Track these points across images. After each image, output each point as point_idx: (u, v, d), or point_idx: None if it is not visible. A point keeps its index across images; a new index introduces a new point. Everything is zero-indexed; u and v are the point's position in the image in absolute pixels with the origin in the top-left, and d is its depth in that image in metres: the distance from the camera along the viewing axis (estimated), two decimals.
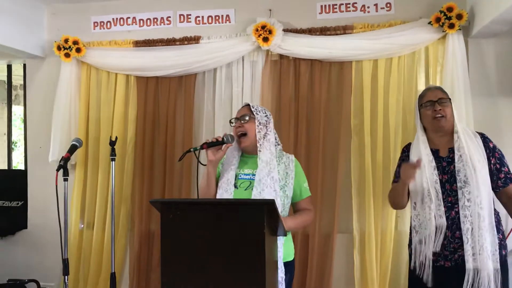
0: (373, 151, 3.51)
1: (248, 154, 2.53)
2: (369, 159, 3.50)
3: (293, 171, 2.48)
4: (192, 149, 2.46)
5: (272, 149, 2.45)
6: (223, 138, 2.44)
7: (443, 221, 2.45)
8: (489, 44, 3.41)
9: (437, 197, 2.48)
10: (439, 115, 2.55)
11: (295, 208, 2.56)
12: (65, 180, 2.83)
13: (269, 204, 2.00)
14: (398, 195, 2.67)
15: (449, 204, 2.49)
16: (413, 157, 2.62)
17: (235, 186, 2.44)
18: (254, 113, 2.49)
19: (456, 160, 2.51)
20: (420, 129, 2.67)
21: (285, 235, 2.24)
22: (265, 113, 2.54)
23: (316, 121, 3.61)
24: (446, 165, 2.55)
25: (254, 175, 2.42)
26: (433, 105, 2.57)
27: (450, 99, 2.62)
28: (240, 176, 2.47)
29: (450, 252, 2.47)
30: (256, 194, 2.35)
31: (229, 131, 2.66)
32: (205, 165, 2.47)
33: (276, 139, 2.56)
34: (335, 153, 3.59)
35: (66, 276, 2.92)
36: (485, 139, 2.60)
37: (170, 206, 2.10)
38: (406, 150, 2.78)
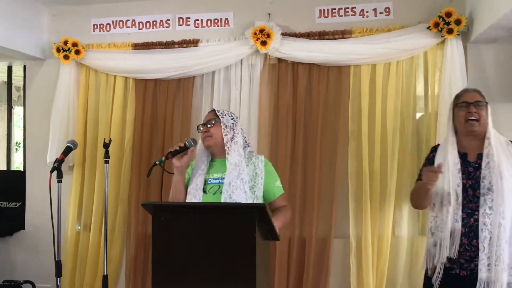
0: (370, 156, 3.50)
1: (217, 158, 2.55)
2: (366, 164, 3.49)
3: (262, 171, 2.48)
4: (157, 162, 2.51)
5: (240, 151, 2.47)
6: (185, 144, 2.49)
7: (458, 226, 2.39)
8: (488, 50, 3.40)
9: (457, 201, 2.42)
10: (473, 118, 2.47)
11: (271, 207, 2.54)
12: (59, 181, 2.83)
13: (260, 208, 2.00)
14: (420, 197, 2.62)
15: (469, 211, 2.41)
16: (439, 158, 2.56)
17: (204, 191, 2.45)
18: (220, 117, 2.53)
19: (483, 166, 2.43)
20: (451, 130, 2.59)
21: (277, 239, 2.23)
22: (231, 116, 2.58)
23: (313, 125, 3.60)
24: (472, 171, 2.47)
25: (223, 178, 2.43)
26: (468, 107, 2.49)
27: (487, 103, 2.53)
28: (210, 181, 2.49)
29: (466, 260, 2.40)
30: (226, 198, 2.36)
31: None
32: (173, 173, 2.50)
33: (246, 141, 2.60)
34: (333, 157, 3.58)
35: (58, 278, 2.91)
36: None
37: (161, 209, 2.10)
38: (434, 150, 2.70)
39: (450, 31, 3.28)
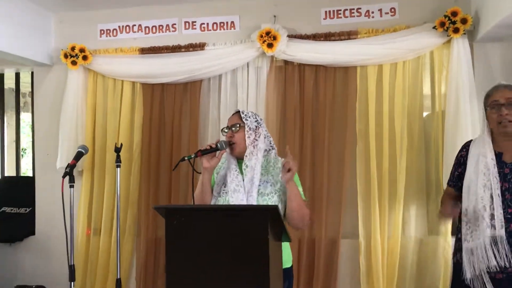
0: (378, 156, 3.50)
1: (243, 160, 2.48)
2: (374, 164, 3.49)
3: None
4: (186, 158, 2.43)
5: (259, 154, 2.42)
6: (216, 145, 2.42)
7: (502, 232, 2.25)
8: (495, 48, 3.41)
9: (500, 207, 2.27)
10: (506, 120, 2.31)
11: None
12: (71, 187, 2.84)
13: (273, 210, 2.00)
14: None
15: (509, 216, 2.28)
16: (472, 159, 2.42)
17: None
18: (244, 119, 2.48)
19: None
20: (486, 129, 2.43)
21: (289, 240, 2.23)
22: (256, 118, 2.52)
23: (321, 126, 3.62)
24: (508, 172, 2.32)
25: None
26: (499, 109, 2.34)
27: None
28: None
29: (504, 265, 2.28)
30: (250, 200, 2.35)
31: None
32: (200, 173, 2.46)
33: (270, 143, 2.55)
34: (341, 158, 3.59)
35: (72, 282, 2.93)
36: None
37: (174, 212, 2.10)
38: (466, 147, 2.53)
39: (456, 30, 3.29)
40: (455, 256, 2.51)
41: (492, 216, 2.28)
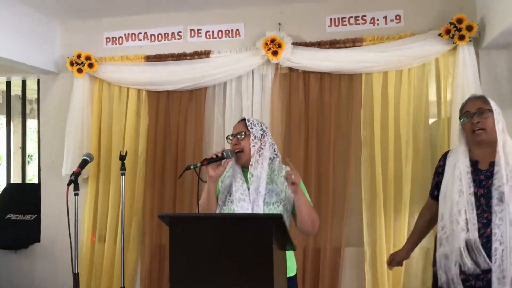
0: (383, 163, 3.49)
1: (247, 168, 2.49)
2: (379, 171, 3.48)
3: None
4: (192, 166, 2.42)
5: (264, 164, 2.42)
6: (222, 154, 2.41)
7: (475, 236, 2.31)
8: (501, 55, 3.39)
9: (472, 211, 2.34)
10: (478, 128, 2.43)
11: None
12: (76, 194, 2.84)
13: (277, 219, 2.00)
14: None
15: (485, 221, 2.33)
16: (449, 167, 2.53)
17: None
18: (249, 127, 2.47)
19: (494, 174, 2.36)
20: (462, 139, 2.54)
21: (294, 249, 2.22)
22: (261, 126, 2.52)
23: (326, 133, 3.61)
24: (484, 179, 2.40)
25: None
26: (471, 118, 2.46)
27: (490, 109, 2.44)
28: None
29: (483, 271, 2.31)
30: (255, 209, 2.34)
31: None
32: (205, 181, 2.46)
33: (275, 151, 2.53)
34: (346, 165, 3.58)
35: None
36: None
37: (178, 220, 2.10)
38: (443, 158, 2.66)
39: (461, 38, 3.28)
40: (435, 265, 2.54)
41: (466, 220, 2.35)
